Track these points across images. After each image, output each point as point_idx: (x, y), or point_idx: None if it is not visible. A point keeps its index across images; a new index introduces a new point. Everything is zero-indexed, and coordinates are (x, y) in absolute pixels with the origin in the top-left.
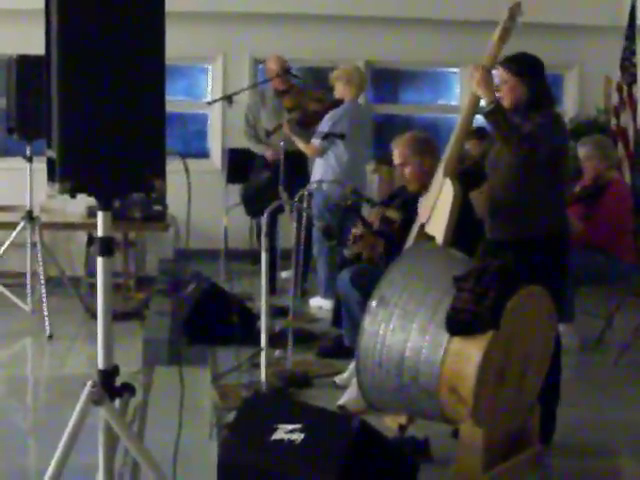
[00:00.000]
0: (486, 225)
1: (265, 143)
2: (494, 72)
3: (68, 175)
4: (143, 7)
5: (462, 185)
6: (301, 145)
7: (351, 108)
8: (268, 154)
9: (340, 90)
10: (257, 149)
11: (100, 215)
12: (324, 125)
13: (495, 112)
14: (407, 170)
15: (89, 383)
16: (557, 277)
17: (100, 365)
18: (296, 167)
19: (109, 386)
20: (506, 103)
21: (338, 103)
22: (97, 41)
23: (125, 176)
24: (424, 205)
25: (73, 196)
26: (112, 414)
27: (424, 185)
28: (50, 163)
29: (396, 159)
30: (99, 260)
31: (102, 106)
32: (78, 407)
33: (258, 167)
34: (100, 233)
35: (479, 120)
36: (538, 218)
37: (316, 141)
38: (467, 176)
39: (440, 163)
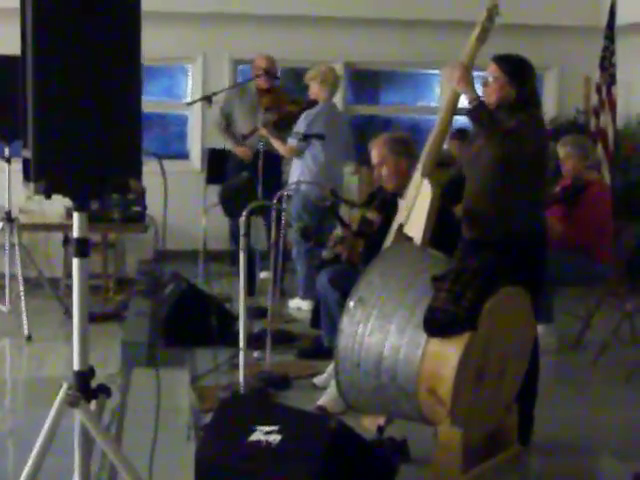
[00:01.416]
0: (463, 224)
1: (237, 142)
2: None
3: (43, 175)
4: (119, 7)
5: (448, 195)
6: (278, 146)
7: (326, 108)
8: (238, 151)
9: (314, 90)
10: (228, 144)
11: (76, 216)
12: (299, 125)
13: (478, 109)
14: (384, 170)
15: (64, 385)
16: (534, 277)
17: (76, 366)
18: (271, 168)
19: (85, 388)
20: (491, 99)
21: (313, 103)
22: (72, 41)
23: (100, 177)
24: (403, 205)
25: (48, 197)
26: (88, 416)
27: (401, 185)
28: (25, 163)
29: (373, 159)
30: (75, 261)
31: (77, 106)
32: (53, 409)
33: (234, 166)
34: (76, 234)
35: (460, 121)
36: (516, 218)
37: (293, 142)
38: (454, 186)
39: (418, 163)
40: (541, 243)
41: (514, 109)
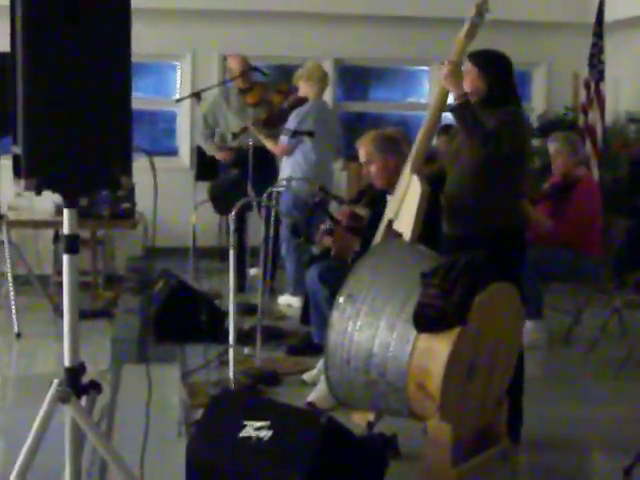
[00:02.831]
0: (443, 219)
1: (218, 145)
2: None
3: (33, 172)
4: (108, 4)
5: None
6: (269, 144)
7: (316, 105)
8: (219, 155)
9: (303, 88)
10: (208, 150)
11: (66, 212)
12: (290, 123)
13: (463, 107)
14: (372, 168)
15: (55, 381)
16: (511, 273)
17: (66, 363)
18: (264, 165)
19: (75, 384)
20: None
21: (303, 101)
22: (62, 38)
23: (91, 173)
24: (392, 201)
25: (38, 193)
26: (78, 412)
27: (390, 182)
28: (16, 160)
29: (361, 158)
30: (65, 257)
31: (67, 103)
32: (44, 405)
33: (225, 163)
34: (66, 230)
35: (449, 118)
36: (494, 214)
37: (284, 139)
38: (433, 181)
39: (408, 159)
40: (519, 238)
41: (492, 105)
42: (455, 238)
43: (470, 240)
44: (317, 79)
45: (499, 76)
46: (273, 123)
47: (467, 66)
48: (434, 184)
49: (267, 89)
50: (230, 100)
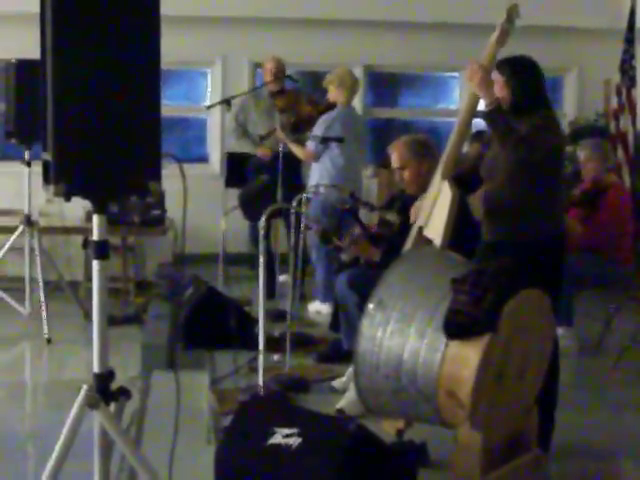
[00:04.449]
0: (482, 227)
1: (255, 144)
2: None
3: (63, 178)
4: (138, 11)
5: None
6: (296, 150)
7: (344, 111)
8: (260, 153)
9: (333, 94)
10: (247, 149)
11: (95, 218)
12: (317, 129)
13: (495, 113)
14: (406, 173)
15: (84, 387)
16: (553, 280)
17: (95, 369)
18: (291, 171)
19: (104, 390)
20: None
21: (331, 107)
22: (92, 45)
23: (120, 179)
24: (422, 207)
25: (68, 199)
26: (107, 418)
27: (423, 188)
28: (45, 166)
29: (394, 163)
30: (94, 263)
31: (97, 109)
32: (73, 411)
33: (253, 169)
34: (95, 236)
35: (481, 124)
36: (535, 221)
37: (311, 145)
38: (462, 181)
39: (438, 165)
40: (560, 245)
41: (524, 112)
42: (496, 245)
43: (509, 248)
44: (349, 86)
45: (524, 84)
46: (301, 128)
47: (494, 74)
48: (461, 187)
49: (299, 97)
50: (259, 102)
